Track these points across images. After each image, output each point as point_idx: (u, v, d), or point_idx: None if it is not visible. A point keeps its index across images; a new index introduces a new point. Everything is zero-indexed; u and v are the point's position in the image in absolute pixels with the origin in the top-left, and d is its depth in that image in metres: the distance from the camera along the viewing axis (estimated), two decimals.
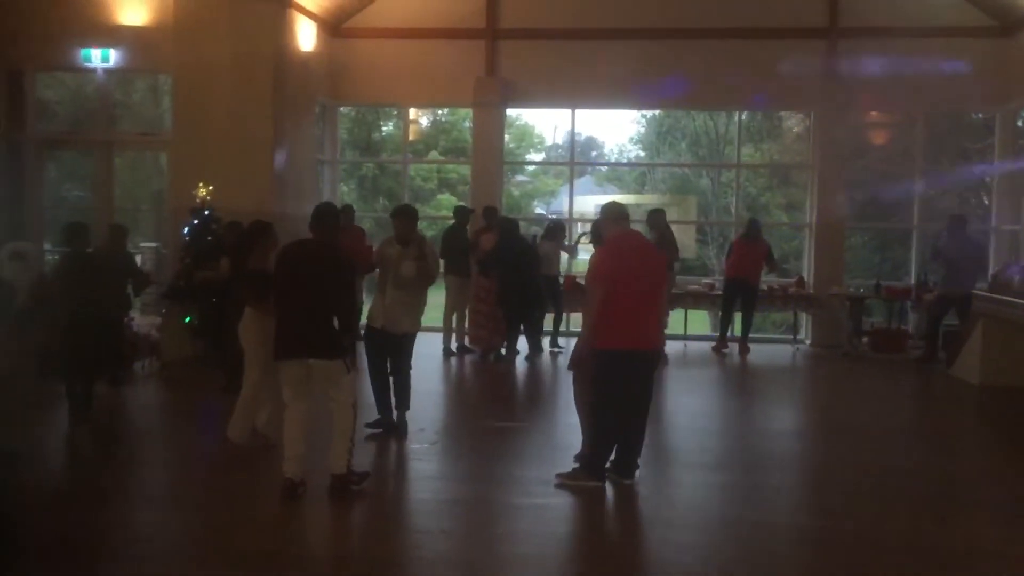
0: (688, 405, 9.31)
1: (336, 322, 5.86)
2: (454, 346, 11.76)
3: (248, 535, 5.34)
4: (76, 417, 7.52)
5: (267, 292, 6.50)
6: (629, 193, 25.74)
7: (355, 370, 5.95)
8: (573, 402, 6.57)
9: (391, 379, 7.42)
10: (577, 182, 16.41)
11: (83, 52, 12.41)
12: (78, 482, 6.54)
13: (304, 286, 5.79)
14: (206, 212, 10.51)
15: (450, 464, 7.15)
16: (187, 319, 10.42)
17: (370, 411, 7.39)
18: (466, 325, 11.84)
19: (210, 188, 10.59)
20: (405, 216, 7.27)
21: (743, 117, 15.95)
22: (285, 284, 5.90)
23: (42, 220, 13.31)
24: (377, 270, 7.39)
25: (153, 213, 16.20)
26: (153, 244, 14.42)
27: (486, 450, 7.30)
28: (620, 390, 6.09)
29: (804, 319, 13.85)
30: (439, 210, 22.85)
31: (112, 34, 12.28)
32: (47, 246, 12.91)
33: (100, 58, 12.41)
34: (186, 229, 10.60)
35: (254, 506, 5.87)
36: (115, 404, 7.65)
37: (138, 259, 11.03)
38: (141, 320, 11.01)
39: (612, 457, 6.25)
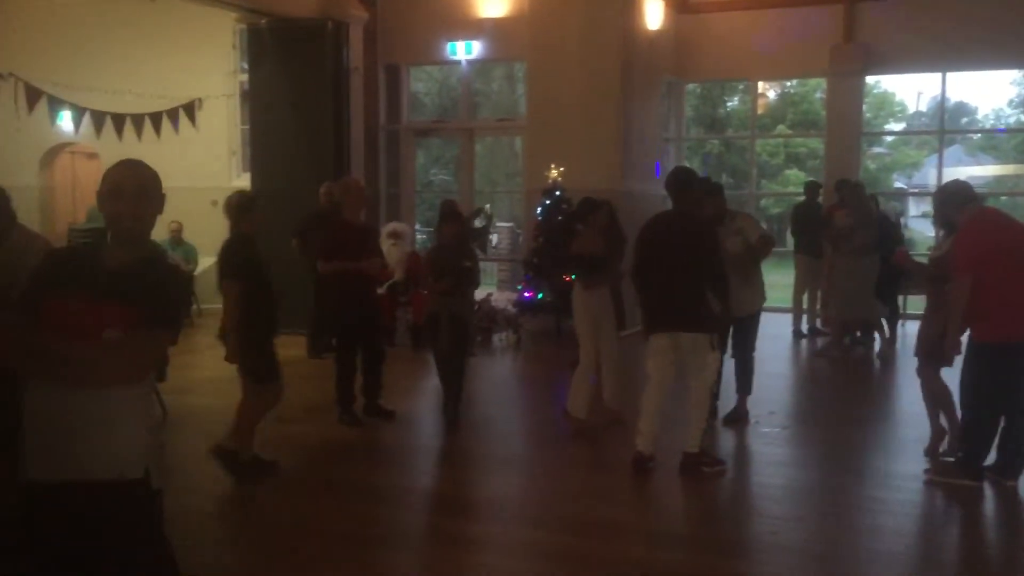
0: None
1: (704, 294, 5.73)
2: (805, 328, 11.23)
3: (589, 503, 5.41)
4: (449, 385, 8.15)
5: (592, 271, 6.61)
6: (1008, 163, 23.09)
7: (721, 351, 5.79)
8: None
9: (733, 363, 7.19)
10: (945, 152, 14.94)
11: (449, 45, 13.40)
12: (447, 443, 7.09)
13: (668, 259, 5.76)
14: (557, 192, 10.91)
15: (802, 450, 6.83)
16: (539, 295, 10.91)
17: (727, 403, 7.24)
18: (818, 306, 11.26)
19: (561, 169, 10.97)
20: (717, 194, 7.04)
21: None
22: (650, 258, 5.88)
23: (412, 202, 14.62)
24: None
25: (508, 194, 17.17)
26: (509, 224, 15.30)
27: (841, 438, 6.88)
28: (1003, 385, 5.44)
29: None
30: (786, 186, 21.96)
31: (474, 27, 13.12)
32: (417, 226, 14.17)
33: (464, 50, 13.31)
34: (539, 209, 11.08)
35: (600, 477, 5.97)
36: (477, 374, 8.18)
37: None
38: (499, 295, 11.74)
39: (993, 456, 5.60)
